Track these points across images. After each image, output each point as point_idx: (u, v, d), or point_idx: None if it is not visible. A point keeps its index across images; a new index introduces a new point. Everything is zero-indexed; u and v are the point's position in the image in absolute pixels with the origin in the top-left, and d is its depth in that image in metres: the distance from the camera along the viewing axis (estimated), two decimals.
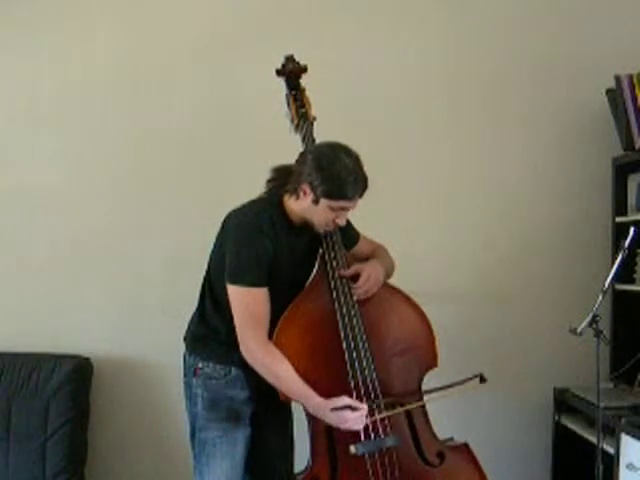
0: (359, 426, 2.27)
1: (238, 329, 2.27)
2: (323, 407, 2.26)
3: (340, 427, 2.27)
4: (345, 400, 2.26)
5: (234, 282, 2.27)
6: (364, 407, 2.27)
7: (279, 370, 2.26)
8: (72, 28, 3.32)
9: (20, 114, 3.34)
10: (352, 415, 2.25)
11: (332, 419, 2.27)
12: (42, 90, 3.32)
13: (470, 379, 2.44)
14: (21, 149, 3.33)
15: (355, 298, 2.41)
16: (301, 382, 2.26)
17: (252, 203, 2.40)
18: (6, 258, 3.32)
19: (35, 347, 3.22)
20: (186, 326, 2.51)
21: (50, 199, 3.31)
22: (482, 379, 2.45)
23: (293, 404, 2.43)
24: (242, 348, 2.27)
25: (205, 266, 2.44)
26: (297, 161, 2.35)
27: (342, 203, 2.28)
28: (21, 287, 3.31)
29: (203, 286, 2.44)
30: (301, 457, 2.45)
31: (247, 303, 2.27)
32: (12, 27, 3.33)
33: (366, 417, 2.30)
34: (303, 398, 2.28)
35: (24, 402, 3.09)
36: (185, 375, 2.45)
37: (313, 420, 2.35)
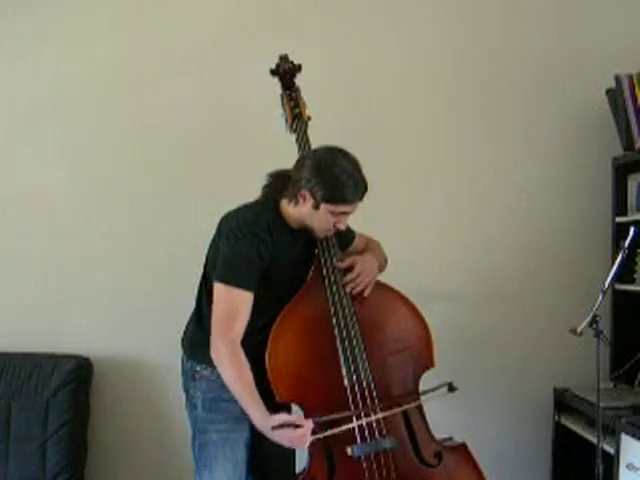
0: (303, 444, 2.18)
1: (213, 324, 2.26)
2: (262, 423, 2.19)
3: (284, 445, 2.19)
4: (284, 417, 2.18)
5: (221, 280, 2.27)
6: (307, 424, 2.17)
7: (238, 374, 2.21)
8: (72, 28, 3.32)
9: (21, 114, 3.34)
10: (294, 433, 2.16)
11: (273, 436, 2.18)
12: (42, 90, 3.33)
13: (439, 387, 2.42)
14: (20, 148, 3.33)
15: (348, 289, 2.40)
16: (253, 393, 2.19)
17: (249, 207, 2.40)
18: (6, 258, 3.32)
19: (35, 347, 3.22)
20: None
21: (49, 199, 3.31)
22: (451, 388, 2.42)
23: (293, 406, 2.43)
24: (212, 344, 2.25)
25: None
26: (295, 166, 2.35)
27: (342, 207, 2.29)
28: (21, 287, 3.31)
29: (200, 289, 2.43)
30: (301, 458, 2.44)
31: (228, 302, 2.26)
32: (12, 28, 3.33)
33: (361, 418, 2.29)
34: (250, 410, 2.21)
35: (24, 402, 3.09)
36: (184, 379, 2.45)
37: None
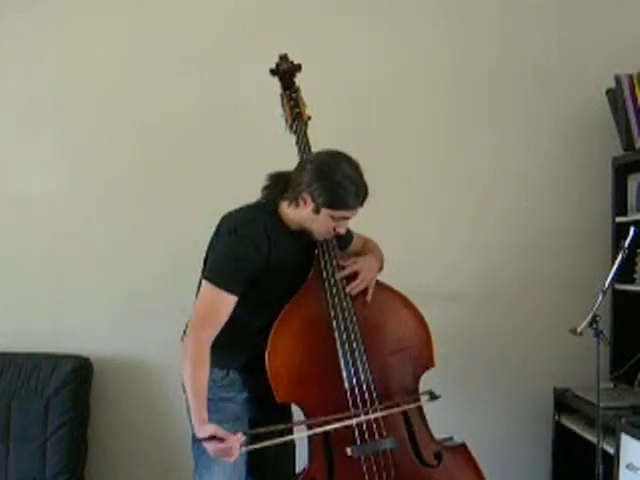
0: (228, 458, 2.15)
1: (192, 317, 2.27)
2: (196, 429, 2.17)
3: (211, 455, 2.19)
4: (212, 430, 2.12)
5: (208, 279, 2.27)
6: (231, 438, 2.13)
7: (195, 374, 2.19)
8: (72, 28, 3.33)
9: (21, 114, 3.34)
10: (217, 446, 2.13)
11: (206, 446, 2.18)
12: (42, 90, 3.33)
13: (421, 394, 2.42)
14: (20, 148, 3.33)
15: (348, 289, 2.40)
16: (201, 396, 2.18)
17: (249, 209, 2.39)
18: (6, 258, 3.32)
19: (35, 347, 3.22)
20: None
21: (49, 199, 3.32)
22: (432, 396, 2.40)
23: (293, 406, 2.43)
24: (185, 336, 2.26)
25: None
26: (296, 169, 2.34)
27: (343, 213, 2.28)
28: (21, 287, 3.31)
29: (199, 289, 2.42)
30: (301, 458, 2.44)
31: (210, 301, 2.26)
32: (12, 28, 3.33)
33: (359, 416, 2.29)
34: (192, 412, 2.19)
35: (24, 402, 3.09)
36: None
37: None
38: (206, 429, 2.15)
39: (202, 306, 2.27)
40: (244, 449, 2.18)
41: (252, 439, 2.21)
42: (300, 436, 2.31)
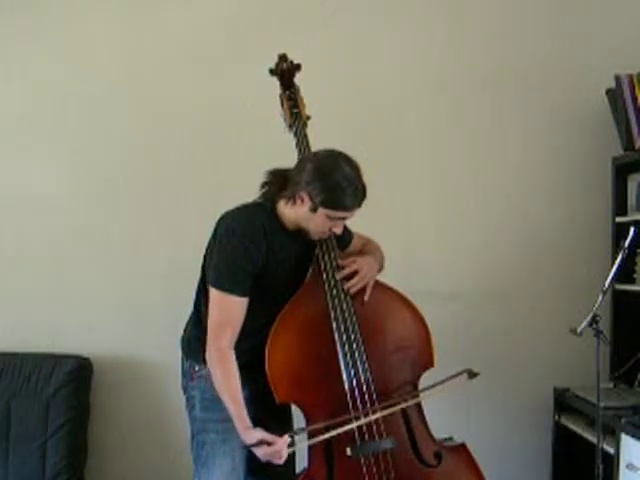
0: (278, 460, 2.19)
1: (208, 328, 2.28)
2: (242, 436, 2.21)
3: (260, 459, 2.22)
4: (259, 435, 2.18)
5: (214, 285, 2.28)
6: (279, 441, 2.17)
7: (226, 383, 2.23)
8: (73, 28, 3.33)
9: (21, 114, 3.34)
10: (267, 450, 2.17)
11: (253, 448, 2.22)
12: (42, 90, 3.33)
13: (459, 374, 2.40)
14: (21, 148, 3.34)
15: (346, 287, 2.39)
16: (238, 405, 2.22)
17: (246, 209, 2.38)
18: (6, 258, 3.32)
19: (35, 347, 3.22)
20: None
21: (50, 200, 3.32)
22: (471, 374, 2.41)
23: (292, 406, 2.43)
24: (206, 347, 2.27)
25: None
26: (296, 168, 2.33)
27: (340, 213, 2.28)
28: (21, 287, 3.31)
29: (198, 289, 2.43)
30: (301, 458, 2.44)
31: (222, 307, 2.27)
32: (11, 27, 3.33)
33: (360, 419, 2.29)
34: (234, 419, 2.23)
35: (24, 402, 3.09)
36: (183, 379, 2.46)
37: (310, 421, 2.34)
38: (253, 435, 2.18)
39: (215, 314, 2.27)
40: (291, 449, 2.21)
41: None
42: (315, 441, 2.29)
